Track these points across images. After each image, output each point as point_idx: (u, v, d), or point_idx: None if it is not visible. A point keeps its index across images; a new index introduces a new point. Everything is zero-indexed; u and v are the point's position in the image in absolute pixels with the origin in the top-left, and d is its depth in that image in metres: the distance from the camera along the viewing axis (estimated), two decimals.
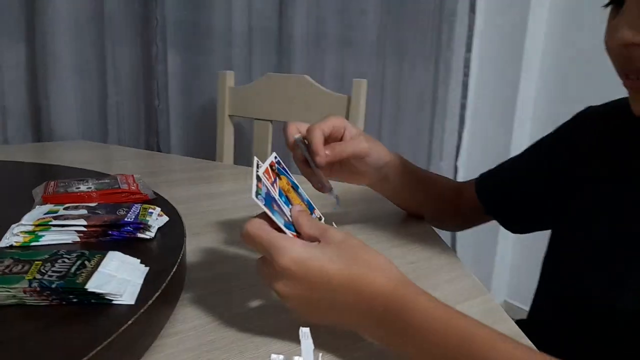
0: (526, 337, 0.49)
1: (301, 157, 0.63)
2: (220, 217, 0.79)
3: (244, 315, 0.51)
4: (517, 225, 0.77)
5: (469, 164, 2.36)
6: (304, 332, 0.41)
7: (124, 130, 1.49)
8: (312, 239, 0.45)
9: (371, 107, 1.96)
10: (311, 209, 0.55)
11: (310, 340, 0.40)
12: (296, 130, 0.63)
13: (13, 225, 0.53)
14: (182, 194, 0.92)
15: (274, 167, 0.53)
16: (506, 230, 0.79)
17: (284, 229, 0.45)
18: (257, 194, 0.43)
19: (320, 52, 1.77)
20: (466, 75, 2.21)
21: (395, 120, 2.08)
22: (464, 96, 2.24)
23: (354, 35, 1.83)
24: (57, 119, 1.31)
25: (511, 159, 0.79)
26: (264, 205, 0.43)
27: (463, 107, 2.26)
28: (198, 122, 1.57)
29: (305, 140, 0.62)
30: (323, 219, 0.55)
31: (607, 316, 0.55)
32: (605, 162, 0.61)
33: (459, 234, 2.39)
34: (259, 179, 0.46)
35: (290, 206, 0.49)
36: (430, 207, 0.81)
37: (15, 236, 0.52)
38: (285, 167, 0.56)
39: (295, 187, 0.55)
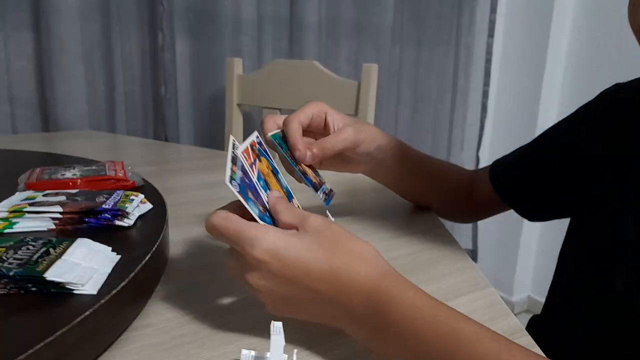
0: (527, 334, 0.44)
1: (282, 155, 0.58)
2: (215, 207, 0.76)
3: (220, 308, 0.48)
4: (535, 213, 0.72)
5: (492, 155, 2.28)
6: (276, 326, 0.37)
7: (133, 120, 1.48)
8: (290, 228, 0.41)
9: (387, 95, 1.91)
10: (290, 197, 0.51)
11: (282, 336, 0.37)
12: (274, 125, 0.58)
13: None
14: (181, 182, 0.90)
15: (254, 147, 0.50)
16: (531, 223, 0.74)
17: (258, 220, 0.41)
18: (232, 179, 0.39)
19: (333, 38, 1.73)
20: (488, 61, 2.14)
21: (413, 110, 2.02)
22: (486, 83, 2.17)
23: (369, 20, 1.78)
24: (64, 108, 1.31)
25: (528, 143, 0.73)
26: (238, 192, 0.39)
27: (485, 94, 2.18)
28: (207, 112, 1.55)
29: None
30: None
31: (624, 316, 0.50)
32: (631, 144, 0.55)
33: (480, 226, 2.32)
34: (234, 160, 0.42)
35: (268, 192, 0.45)
36: (438, 197, 0.76)
37: None
38: (266, 148, 0.52)
39: (275, 172, 0.51)
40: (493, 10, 2.09)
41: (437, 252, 0.62)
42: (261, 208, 0.42)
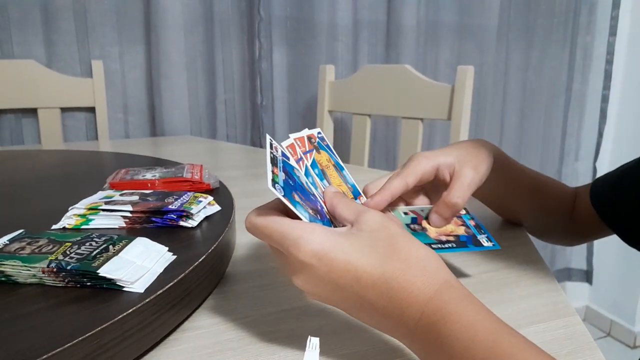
0: None
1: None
2: None
3: (273, 315, 0.46)
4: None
5: (613, 167, 2.05)
6: (313, 342, 0.35)
7: (232, 127, 1.54)
8: (345, 223, 0.38)
9: (492, 100, 1.80)
10: (356, 194, 0.48)
11: (317, 352, 0.35)
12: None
13: (69, 208, 0.55)
14: (262, 187, 0.91)
15: (313, 140, 0.47)
16: None
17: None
18: (274, 182, 0.36)
19: (433, 41, 1.67)
20: (609, 62, 1.93)
21: (521, 115, 1.89)
22: (606, 87, 1.96)
23: (472, 22, 1.69)
24: (169, 115, 1.40)
25: (637, 158, 0.63)
26: (283, 196, 0.36)
27: (605, 99, 1.97)
28: (302, 118, 1.58)
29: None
30: None
31: None
32: None
33: (596, 244, 2.09)
34: (273, 162, 0.38)
35: (324, 180, 0.43)
36: (533, 213, 0.68)
37: (68, 219, 0.53)
38: (329, 144, 0.50)
39: (339, 168, 0.48)
40: (616, 6, 1.88)
41: (518, 271, 0.56)
42: (311, 211, 0.39)
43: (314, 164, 0.44)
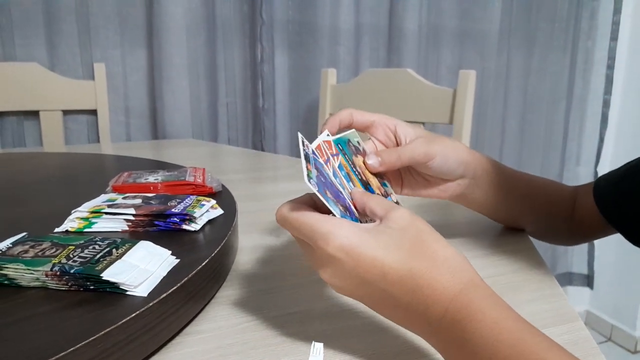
0: None
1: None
2: None
3: (276, 320, 0.46)
4: None
5: None
6: (317, 347, 0.36)
7: (233, 130, 1.54)
8: (375, 218, 0.39)
9: (493, 105, 1.81)
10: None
11: (321, 357, 0.35)
12: (336, 127, 0.53)
13: (72, 211, 0.55)
14: (264, 190, 0.91)
15: (334, 145, 0.48)
16: None
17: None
18: (309, 177, 0.36)
19: (434, 46, 1.67)
20: (610, 67, 1.93)
21: (522, 120, 1.89)
22: (608, 92, 1.96)
23: (473, 27, 1.69)
24: (171, 118, 1.40)
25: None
26: (318, 191, 0.36)
27: (606, 104, 1.97)
28: (304, 122, 1.58)
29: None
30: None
31: None
32: None
33: (598, 248, 2.09)
34: (307, 158, 0.39)
35: (350, 183, 0.43)
36: (534, 218, 0.68)
37: (71, 222, 0.53)
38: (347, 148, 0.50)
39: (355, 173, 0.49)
40: (617, 11, 1.88)
41: (522, 276, 0.56)
42: (341, 208, 0.39)
43: (340, 167, 0.44)
